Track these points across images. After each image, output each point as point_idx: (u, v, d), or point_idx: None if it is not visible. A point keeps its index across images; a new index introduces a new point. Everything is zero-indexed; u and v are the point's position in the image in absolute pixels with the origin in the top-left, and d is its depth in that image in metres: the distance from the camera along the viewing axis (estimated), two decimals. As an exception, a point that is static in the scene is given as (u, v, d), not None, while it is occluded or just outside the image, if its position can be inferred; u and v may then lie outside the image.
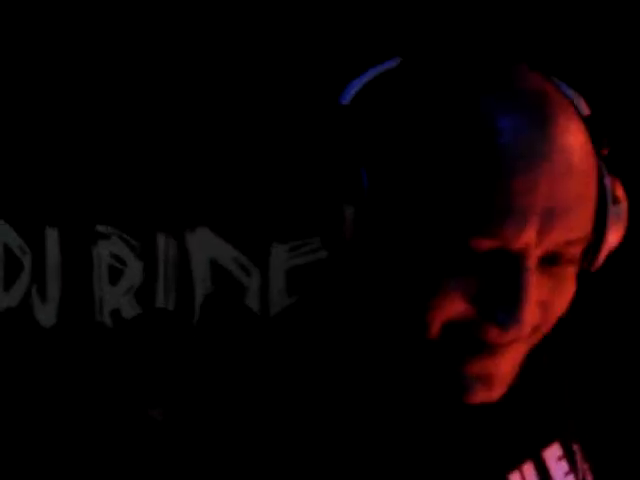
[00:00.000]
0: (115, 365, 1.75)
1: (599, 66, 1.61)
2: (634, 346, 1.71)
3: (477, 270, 0.68)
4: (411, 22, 1.71)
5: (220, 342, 1.82)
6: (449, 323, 0.69)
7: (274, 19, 1.76)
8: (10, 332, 1.88)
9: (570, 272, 0.72)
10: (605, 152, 0.73)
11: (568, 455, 0.87)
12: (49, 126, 1.80)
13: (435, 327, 0.69)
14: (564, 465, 0.85)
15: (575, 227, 0.68)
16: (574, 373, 0.95)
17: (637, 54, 1.64)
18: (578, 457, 0.88)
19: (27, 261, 1.84)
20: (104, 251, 1.79)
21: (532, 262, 0.67)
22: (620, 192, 0.75)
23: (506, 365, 0.71)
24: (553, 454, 0.85)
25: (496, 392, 0.72)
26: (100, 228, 1.79)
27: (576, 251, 0.70)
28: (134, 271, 1.79)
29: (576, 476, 0.86)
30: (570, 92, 0.71)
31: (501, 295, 0.67)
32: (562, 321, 0.73)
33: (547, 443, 0.85)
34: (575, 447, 0.88)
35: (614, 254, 0.77)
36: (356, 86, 0.73)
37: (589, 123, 0.71)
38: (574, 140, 0.68)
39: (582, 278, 0.73)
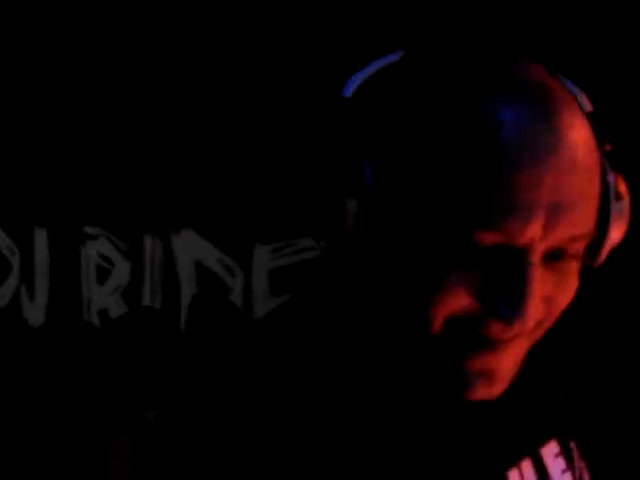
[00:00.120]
0: (102, 364, 1.77)
1: (600, 63, 1.62)
2: (631, 345, 1.70)
3: (481, 265, 0.67)
4: (413, 15, 1.73)
5: (209, 341, 1.85)
6: (451, 318, 0.68)
7: (277, 13, 1.77)
8: (-1, 331, 1.90)
9: (573, 267, 0.71)
10: (608, 148, 0.72)
11: (565, 452, 0.86)
12: (40, 129, 1.81)
13: (437, 322, 0.68)
14: (561, 462, 0.85)
15: (579, 222, 0.67)
16: (570, 371, 0.94)
17: (637, 51, 1.67)
18: (575, 455, 0.88)
19: (16, 261, 1.84)
20: (92, 252, 1.81)
21: (537, 257, 0.66)
22: (622, 188, 0.74)
23: (508, 361, 0.71)
24: (550, 451, 0.85)
25: (497, 388, 0.71)
26: (88, 229, 1.81)
27: (580, 247, 0.69)
28: (121, 271, 1.81)
29: (573, 473, 0.86)
30: (573, 88, 0.70)
31: (505, 290, 0.66)
32: (561, 319, 0.72)
33: (544, 440, 0.85)
34: (572, 445, 0.88)
35: (613, 251, 0.77)
36: (358, 79, 0.72)
37: (592, 119, 0.70)
38: (578, 135, 0.67)
39: (581, 275, 0.72)
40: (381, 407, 0.75)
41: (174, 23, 1.80)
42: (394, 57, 0.72)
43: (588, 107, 0.70)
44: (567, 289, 0.70)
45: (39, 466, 1.75)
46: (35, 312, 1.82)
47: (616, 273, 1.00)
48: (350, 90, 0.71)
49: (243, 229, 1.81)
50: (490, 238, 0.65)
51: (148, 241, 1.82)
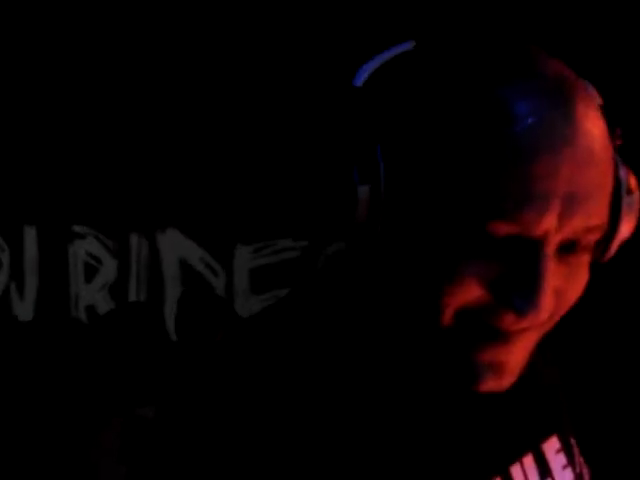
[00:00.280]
0: (90, 359, 1.80)
1: (603, 60, 1.64)
2: (629, 342, 1.69)
3: (495, 256, 0.65)
4: (424, 6, 1.75)
5: (198, 336, 1.89)
6: (463, 310, 0.67)
7: (288, 2, 1.79)
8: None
9: (584, 261, 0.69)
10: (618, 143, 0.71)
11: (566, 448, 0.85)
12: (31, 130, 1.83)
13: (448, 313, 0.67)
14: (562, 458, 0.83)
15: (594, 214, 0.66)
16: (569, 368, 0.91)
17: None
18: (575, 451, 0.87)
19: (5, 258, 1.86)
20: (80, 250, 1.84)
21: (551, 249, 0.65)
22: (633, 183, 0.73)
23: (518, 353, 0.69)
24: (552, 447, 0.83)
25: (506, 381, 0.69)
26: (77, 228, 1.84)
27: (593, 239, 0.67)
28: (108, 269, 1.84)
29: (573, 469, 0.85)
30: (585, 82, 0.69)
31: (519, 281, 0.65)
32: (564, 317, 0.71)
33: (546, 436, 0.83)
34: (572, 441, 0.87)
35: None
36: (369, 68, 0.70)
37: (604, 112, 0.69)
38: (595, 126, 0.66)
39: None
40: (386, 399, 0.73)
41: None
42: (405, 47, 0.70)
43: (599, 100, 0.69)
44: (578, 282, 0.69)
45: (27, 461, 1.77)
46: (24, 308, 1.84)
47: (615, 271, 0.98)
48: (361, 79, 0.69)
49: (225, 230, 1.85)
50: (505, 229, 0.64)
51: (134, 240, 1.85)
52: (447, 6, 1.75)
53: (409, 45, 0.70)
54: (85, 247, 1.84)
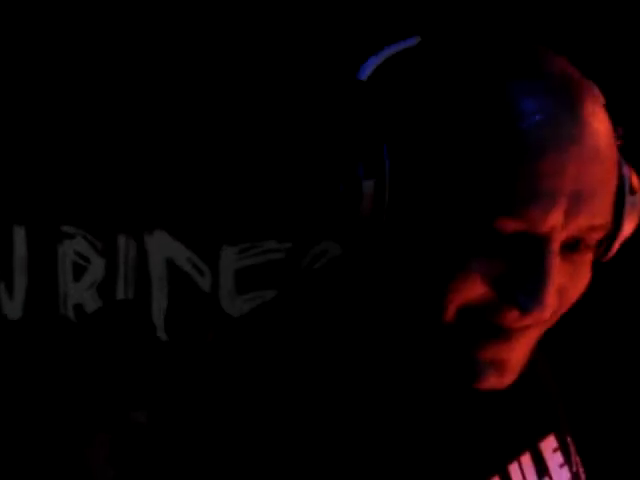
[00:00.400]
0: (78, 356, 1.82)
1: (605, 59, 1.66)
2: (625, 341, 1.70)
3: (500, 253, 0.64)
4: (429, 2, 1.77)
5: (187, 336, 1.91)
6: (466, 306, 0.66)
7: None
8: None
9: (587, 259, 0.69)
10: (620, 142, 0.70)
11: (563, 447, 0.84)
12: (19, 132, 1.85)
13: (452, 310, 0.66)
14: (559, 456, 0.83)
15: (599, 212, 0.65)
16: (565, 367, 0.92)
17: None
18: (572, 449, 0.86)
19: None
20: (69, 249, 1.85)
21: (557, 246, 0.64)
22: (636, 182, 0.73)
23: (519, 351, 0.68)
24: (549, 446, 0.83)
25: (508, 378, 0.69)
26: (65, 228, 1.85)
27: (597, 237, 0.67)
28: (96, 268, 1.86)
29: (570, 468, 0.84)
30: (589, 81, 0.68)
31: (524, 278, 0.64)
32: (562, 317, 0.70)
33: (543, 435, 0.83)
34: (568, 439, 0.86)
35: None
36: (374, 63, 0.69)
37: (607, 112, 0.68)
38: (601, 124, 0.65)
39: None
40: (385, 397, 0.73)
41: None
42: (410, 42, 0.69)
43: (602, 99, 0.69)
44: (580, 281, 0.69)
45: (16, 459, 1.77)
46: (13, 307, 1.85)
47: (612, 270, 0.96)
48: (366, 73, 0.68)
49: (212, 231, 1.87)
50: (511, 226, 0.63)
51: (122, 240, 1.87)
52: (452, 3, 1.77)
53: (414, 41, 0.69)
54: (74, 247, 1.86)
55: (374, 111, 0.67)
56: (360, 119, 0.67)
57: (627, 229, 0.73)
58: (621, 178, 0.71)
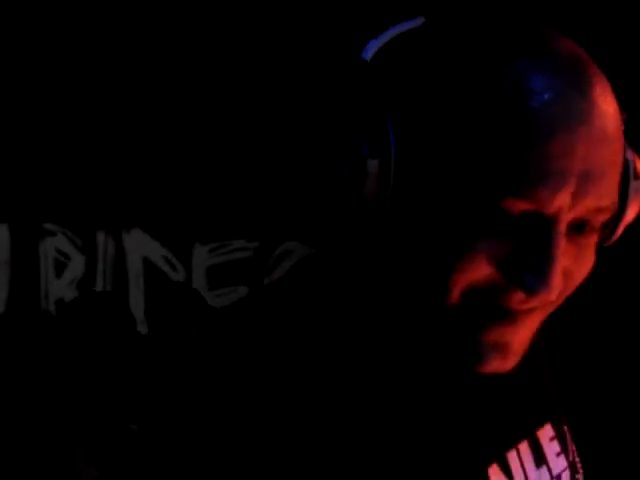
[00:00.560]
0: (60, 348, 1.86)
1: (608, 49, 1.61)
2: (623, 334, 1.69)
3: (506, 234, 0.63)
4: None
5: (168, 326, 1.96)
6: (471, 288, 0.64)
7: None
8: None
9: (592, 242, 0.67)
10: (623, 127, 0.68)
11: (559, 436, 0.83)
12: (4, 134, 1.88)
13: (456, 291, 0.64)
14: (556, 445, 0.81)
15: (606, 193, 0.64)
16: (562, 356, 0.90)
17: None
18: (568, 438, 0.85)
19: None
20: (50, 246, 1.89)
21: (563, 227, 0.63)
22: (639, 167, 0.71)
23: (523, 334, 0.67)
24: (546, 434, 0.81)
25: (510, 361, 0.67)
26: (47, 226, 1.89)
27: (603, 219, 0.65)
28: (77, 265, 1.90)
29: (567, 456, 0.83)
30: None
31: (530, 259, 0.62)
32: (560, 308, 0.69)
33: (540, 424, 0.82)
34: (565, 428, 0.85)
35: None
36: (378, 42, 0.66)
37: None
38: (609, 105, 0.64)
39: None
40: (385, 381, 0.71)
41: None
42: (414, 23, 0.67)
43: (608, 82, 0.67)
44: (585, 264, 0.67)
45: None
46: (-4, 302, 1.87)
47: (610, 259, 0.92)
48: (370, 53, 0.66)
49: (185, 230, 1.95)
50: (519, 206, 0.62)
51: (101, 238, 1.92)
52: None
53: (418, 21, 0.67)
54: (55, 244, 1.90)
55: (378, 90, 0.65)
56: (364, 98, 0.65)
57: (630, 213, 0.72)
58: (626, 162, 0.69)
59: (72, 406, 1.81)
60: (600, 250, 0.72)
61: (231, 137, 1.93)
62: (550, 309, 0.68)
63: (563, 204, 0.62)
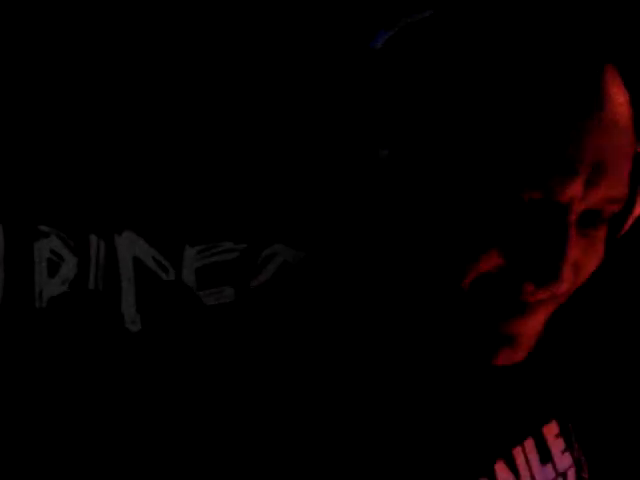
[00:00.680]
0: (53, 345, 1.90)
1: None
2: (629, 335, 1.66)
3: (518, 224, 0.61)
4: None
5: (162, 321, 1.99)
6: (481, 278, 0.63)
7: None
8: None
9: (602, 235, 0.66)
10: None
11: (564, 433, 0.82)
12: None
13: (466, 282, 0.63)
14: (561, 442, 0.81)
15: (618, 184, 0.63)
16: (567, 354, 0.90)
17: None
18: (573, 435, 0.84)
19: None
20: (44, 247, 1.93)
21: (575, 217, 0.62)
22: None
23: (533, 326, 0.65)
24: (552, 431, 0.81)
25: (520, 354, 0.66)
26: (41, 227, 1.93)
27: (613, 210, 0.64)
28: (70, 265, 1.94)
29: (572, 453, 0.82)
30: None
31: (541, 250, 0.61)
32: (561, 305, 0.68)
33: (546, 421, 0.81)
34: (570, 426, 0.84)
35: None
36: (388, 33, 0.65)
37: None
38: (623, 97, 0.63)
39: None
40: (394, 377, 0.70)
41: None
42: (424, 14, 0.65)
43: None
44: (594, 256, 0.66)
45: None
46: (-8, 301, 1.89)
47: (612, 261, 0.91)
48: (380, 42, 0.65)
49: (175, 233, 2.00)
50: (531, 195, 0.60)
51: (94, 240, 1.95)
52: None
53: (427, 13, 0.65)
54: (49, 245, 1.93)
55: (389, 79, 0.63)
56: (376, 86, 0.64)
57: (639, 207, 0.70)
58: (637, 154, 0.67)
59: (66, 404, 1.84)
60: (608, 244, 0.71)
61: (218, 143, 1.98)
62: (560, 301, 0.67)
63: (575, 194, 0.61)
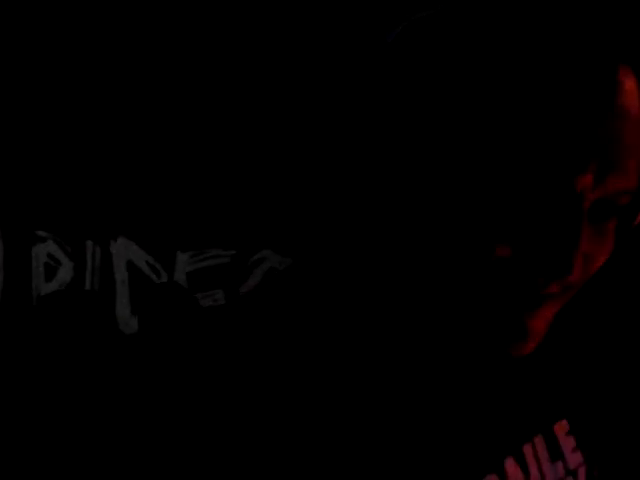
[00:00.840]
0: (51, 347, 1.93)
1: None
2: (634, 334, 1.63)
3: (530, 215, 0.60)
4: None
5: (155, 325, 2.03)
6: (494, 271, 0.62)
7: None
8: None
9: (612, 227, 0.64)
10: None
11: (575, 432, 0.81)
12: None
13: (479, 274, 0.62)
14: (572, 440, 0.80)
15: (630, 175, 0.62)
16: (582, 355, 0.90)
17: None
18: (584, 435, 0.83)
19: None
20: (42, 252, 1.96)
21: (586, 208, 0.61)
22: None
23: (543, 318, 0.64)
24: (562, 429, 0.79)
25: (530, 345, 0.65)
26: (39, 232, 1.96)
27: (624, 202, 0.63)
28: (66, 269, 1.97)
29: (583, 452, 0.81)
30: None
31: (554, 241, 0.60)
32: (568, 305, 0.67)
33: (558, 419, 0.80)
34: (581, 423, 0.83)
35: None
36: (401, 27, 0.64)
37: None
38: (632, 85, 0.62)
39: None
40: (402, 369, 0.69)
41: None
42: (436, 10, 0.64)
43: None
44: (604, 249, 0.65)
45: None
46: (-10, 304, 1.92)
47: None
48: (394, 36, 0.64)
49: (168, 239, 2.04)
50: (544, 186, 0.60)
51: (90, 245, 1.99)
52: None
53: (440, 9, 0.64)
54: (46, 250, 1.97)
55: (407, 71, 0.63)
56: (395, 79, 0.63)
57: None
58: None
59: (62, 404, 1.87)
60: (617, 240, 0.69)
61: (208, 157, 2.02)
62: (569, 294, 0.66)
63: (586, 184, 0.60)
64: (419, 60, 0.62)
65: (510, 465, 0.73)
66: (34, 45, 1.91)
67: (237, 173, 2.05)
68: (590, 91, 0.59)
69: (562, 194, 0.60)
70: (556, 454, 0.78)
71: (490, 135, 0.60)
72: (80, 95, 1.96)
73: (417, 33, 0.63)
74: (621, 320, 1.65)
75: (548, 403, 0.80)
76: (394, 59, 0.64)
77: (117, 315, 2.02)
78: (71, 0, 1.89)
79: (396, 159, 0.63)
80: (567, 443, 0.79)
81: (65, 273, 1.99)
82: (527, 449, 0.75)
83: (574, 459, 0.79)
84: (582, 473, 0.80)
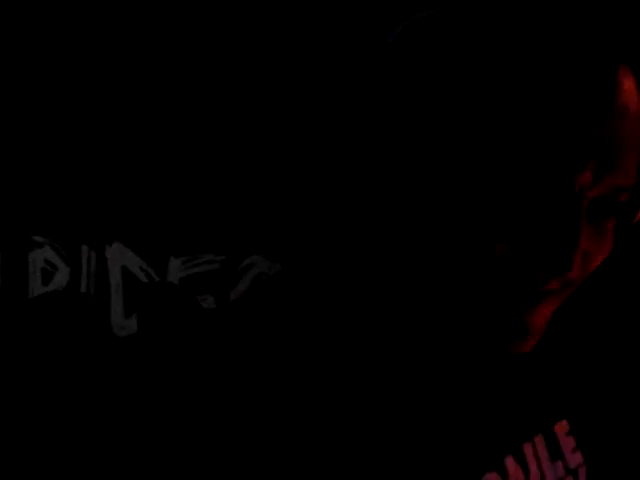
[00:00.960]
0: (47, 348, 1.96)
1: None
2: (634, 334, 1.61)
3: (530, 212, 0.60)
4: None
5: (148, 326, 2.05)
6: (493, 269, 0.61)
7: None
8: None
9: (611, 225, 0.64)
10: None
11: (576, 432, 0.80)
12: None
13: (479, 272, 0.61)
14: (572, 440, 0.79)
15: (629, 173, 0.61)
16: (583, 356, 0.89)
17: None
18: (584, 435, 0.82)
19: None
20: (38, 257, 1.99)
21: (585, 205, 0.60)
22: None
23: (542, 316, 0.64)
24: (563, 429, 0.79)
25: (529, 343, 0.64)
26: (36, 238, 1.99)
27: (624, 199, 0.62)
28: (63, 274, 2.00)
29: (583, 452, 0.80)
30: None
31: (553, 238, 0.59)
32: (568, 305, 0.66)
33: (558, 419, 0.79)
34: (580, 424, 0.82)
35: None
36: (401, 27, 0.64)
37: None
38: (631, 83, 0.61)
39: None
40: (403, 368, 0.68)
41: None
42: (436, 10, 0.64)
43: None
44: (603, 246, 0.64)
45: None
46: (-12, 308, 1.94)
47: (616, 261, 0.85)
48: (395, 36, 0.64)
49: (161, 245, 2.08)
50: (543, 183, 0.59)
51: (85, 250, 2.02)
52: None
53: (441, 9, 0.64)
54: (43, 255, 1.99)
55: (409, 69, 0.62)
56: (398, 77, 0.63)
57: None
58: None
59: (59, 406, 1.89)
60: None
61: (200, 165, 2.06)
62: (569, 291, 0.66)
63: (585, 181, 0.60)
64: (419, 60, 0.63)
65: (510, 464, 0.73)
66: (29, 55, 1.93)
67: (229, 179, 2.08)
68: (590, 91, 0.59)
69: (561, 192, 0.60)
70: (556, 454, 0.78)
71: (490, 134, 0.60)
72: (76, 102, 1.99)
73: (417, 33, 0.63)
74: (621, 319, 1.62)
75: (548, 403, 0.80)
76: (394, 59, 0.64)
77: (111, 318, 2.04)
78: (71, 0, 1.91)
79: (396, 159, 0.63)
80: (567, 443, 0.79)
81: (61, 277, 2.02)
82: (527, 448, 0.75)
83: (574, 459, 0.79)
84: (582, 473, 0.80)
